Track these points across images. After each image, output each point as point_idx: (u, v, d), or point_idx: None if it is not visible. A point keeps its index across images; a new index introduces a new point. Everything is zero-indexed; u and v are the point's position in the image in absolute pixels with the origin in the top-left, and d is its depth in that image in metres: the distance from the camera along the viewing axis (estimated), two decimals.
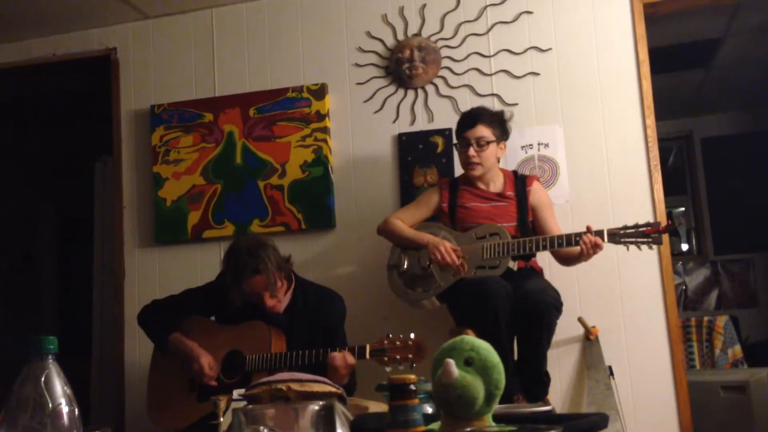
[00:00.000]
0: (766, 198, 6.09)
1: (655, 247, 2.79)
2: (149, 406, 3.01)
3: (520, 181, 3.14)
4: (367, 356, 2.60)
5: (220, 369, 2.87)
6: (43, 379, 1.13)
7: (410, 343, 2.54)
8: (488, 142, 3.03)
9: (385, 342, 2.58)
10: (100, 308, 4.60)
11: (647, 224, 2.76)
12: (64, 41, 4.22)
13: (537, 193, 3.12)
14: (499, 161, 3.16)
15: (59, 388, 1.14)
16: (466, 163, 3.08)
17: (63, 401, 1.13)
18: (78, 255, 5.95)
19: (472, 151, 3.03)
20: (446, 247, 2.92)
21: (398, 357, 2.53)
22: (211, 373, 2.83)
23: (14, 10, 3.90)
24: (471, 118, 3.08)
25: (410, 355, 2.53)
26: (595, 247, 2.76)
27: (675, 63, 5.12)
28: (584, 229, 2.80)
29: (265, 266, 2.78)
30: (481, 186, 3.11)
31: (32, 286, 6.26)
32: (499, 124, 3.08)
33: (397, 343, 2.55)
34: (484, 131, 3.03)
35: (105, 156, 4.52)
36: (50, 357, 1.16)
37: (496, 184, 3.12)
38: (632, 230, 2.76)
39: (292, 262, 3.00)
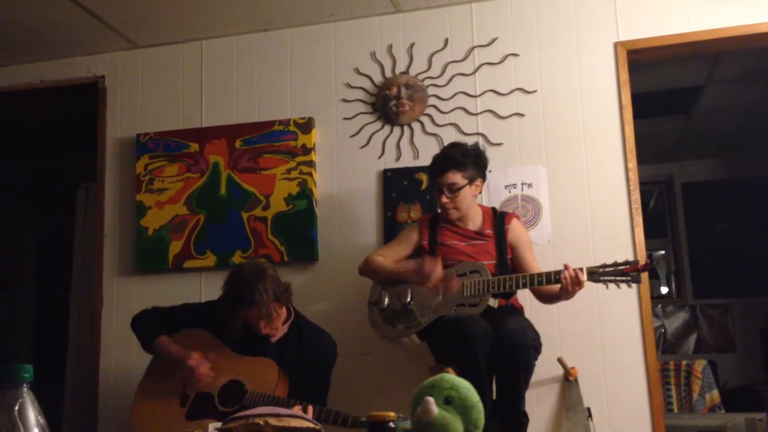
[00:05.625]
0: (745, 243, 6.17)
1: (634, 287, 2.80)
2: (134, 411, 2.96)
3: (498, 219, 3.13)
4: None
5: (217, 395, 2.85)
6: (17, 408, 1.11)
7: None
8: (460, 188, 3.00)
9: None
10: (76, 336, 4.54)
11: (626, 262, 2.77)
12: (52, 68, 4.22)
13: (515, 230, 3.12)
14: (477, 197, 3.14)
15: (33, 417, 1.12)
16: (442, 207, 3.08)
17: (36, 431, 1.11)
18: (55, 282, 5.88)
19: (444, 198, 3.02)
20: (434, 268, 2.88)
21: None
22: (205, 368, 2.81)
23: (1, 35, 3.90)
24: (439, 165, 3.03)
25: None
26: (575, 283, 2.75)
27: (657, 109, 5.21)
28: (563, 268, 2.80)
29: (260, 298, 2.76)
30: (460, 224, 3.11)
31: (8, 312, 6.17)
32: (473, 163, 3.03)
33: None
34: (454, 177, 2.99)
35: (87, 183, 4.50)
36: (25, 386, 1.14)
37: (475, 221, 3.12)
38: (611, 268, 2.77)
39: (291, 291, 2.96)
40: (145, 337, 3.02)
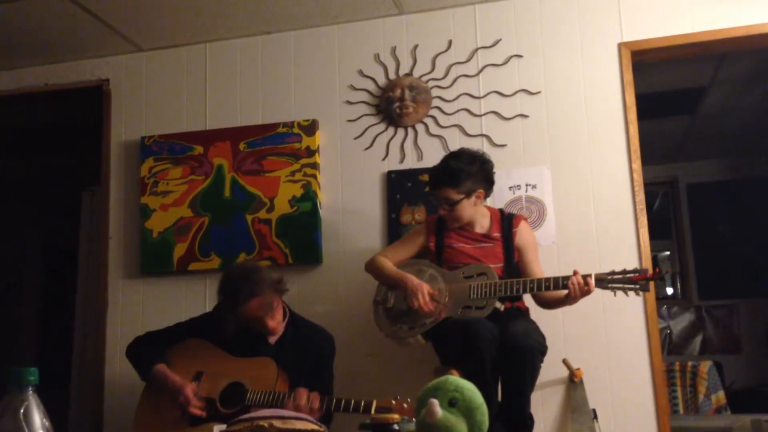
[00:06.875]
0: (750, 244, 6.16)
1: (641, 293, 2.79)
2: (138, 418, 2.97)
3: (506, 221, 3.10)
4: (373, 412, 2.60)
5: (219, 398, 2.85)
6: (22, 411, 1.11)
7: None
8: (455, 203, 2.97)
9: (393, 402, 2.56)
10: (81, 338, 4.54)
11: (635, 270, 2.75)
12: (57, 71, 4.24)
13: (523, 233, 3.10)
14: (480, 203, 3.08)
15: (38, 420, 1.12)
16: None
17: None
18: (61, 285, 5.89)
19: (442, 211, 3.04)
20: (424, 294, 2.88)
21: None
22: (198, 403, 2.81)
23: (6, 39, 3.92)
24: (435, 179, 3.01)
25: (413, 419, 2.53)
26: (584, 291, 2.74)
27: (661, 109, 5.20)
28: (571, 272, 2.78)
29: (260, 288, 2.81)
30: (467, 227, 3.10)
31: (13, 314, 6.19)
32: (472, 175, 2.96)
33: (405, 405, 2.54)
34: (448, 193, 2.96)
35: (92, 186, 4.51)
36: (30, 388, 1.14)
37: (482, 224, 3.10)
38: (620, 276, 2.75)
39: (284, 281, 2.98)
40: (141, 369, 3.01)
